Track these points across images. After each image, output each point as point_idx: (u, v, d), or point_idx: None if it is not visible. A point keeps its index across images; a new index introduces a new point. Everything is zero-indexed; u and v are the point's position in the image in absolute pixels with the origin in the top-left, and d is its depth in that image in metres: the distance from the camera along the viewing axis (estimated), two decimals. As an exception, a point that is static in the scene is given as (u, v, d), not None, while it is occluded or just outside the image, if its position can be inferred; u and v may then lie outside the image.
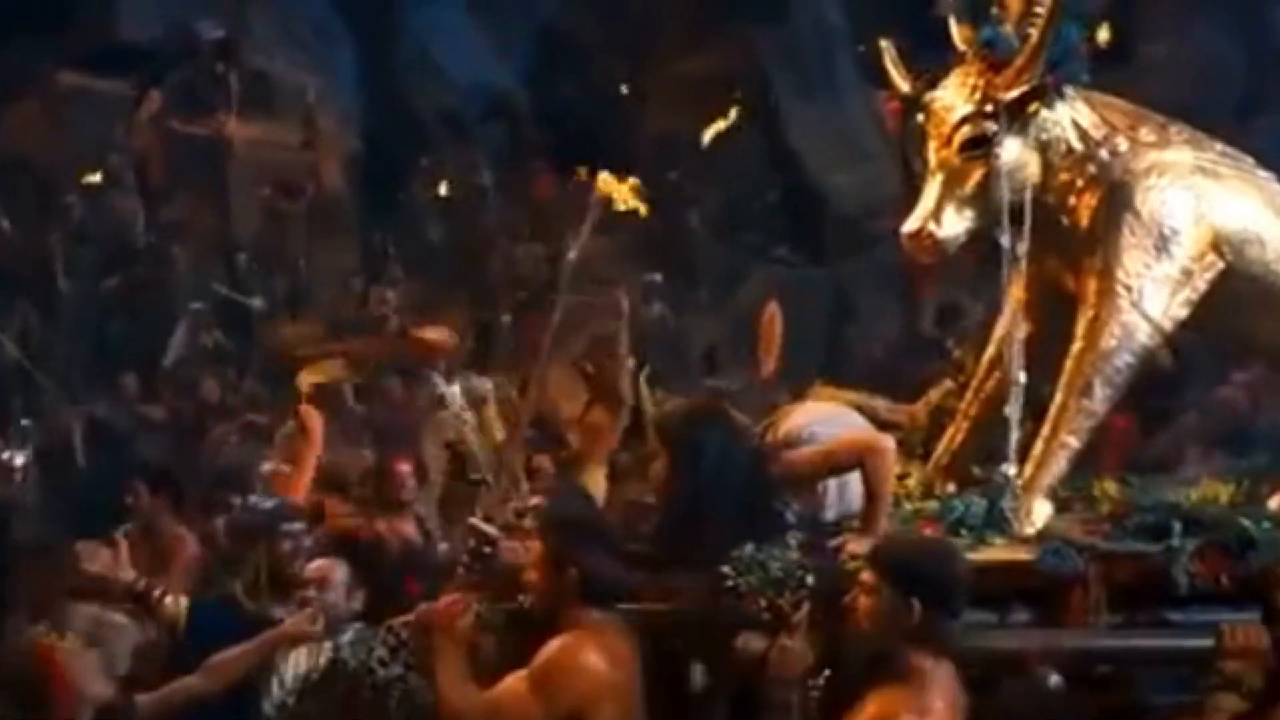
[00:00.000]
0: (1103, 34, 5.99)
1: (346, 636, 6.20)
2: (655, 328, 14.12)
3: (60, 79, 16.08)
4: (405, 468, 9.10)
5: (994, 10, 5.65)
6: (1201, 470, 7.10)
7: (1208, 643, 4.97)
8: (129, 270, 14.79)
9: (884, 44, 5.92)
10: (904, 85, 5.81)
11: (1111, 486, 5.73)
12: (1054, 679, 4.81)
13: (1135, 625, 5.21)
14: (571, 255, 11.25)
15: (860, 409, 6.05)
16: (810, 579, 5.18)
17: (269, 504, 7.25)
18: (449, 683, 5.19)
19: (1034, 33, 5.55)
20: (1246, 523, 5.31)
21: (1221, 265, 5.69)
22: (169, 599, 6.61)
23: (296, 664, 6.25)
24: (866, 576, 4.81)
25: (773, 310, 7.66)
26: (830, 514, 5.69)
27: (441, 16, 18.74)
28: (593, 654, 5.06)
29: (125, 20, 16.83)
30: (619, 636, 5.17)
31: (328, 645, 6.23)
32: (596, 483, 7.58)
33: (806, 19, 18.59)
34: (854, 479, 5.60)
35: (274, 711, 6.23)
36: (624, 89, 18.76)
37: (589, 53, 18.84)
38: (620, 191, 7.11)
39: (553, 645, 5.08)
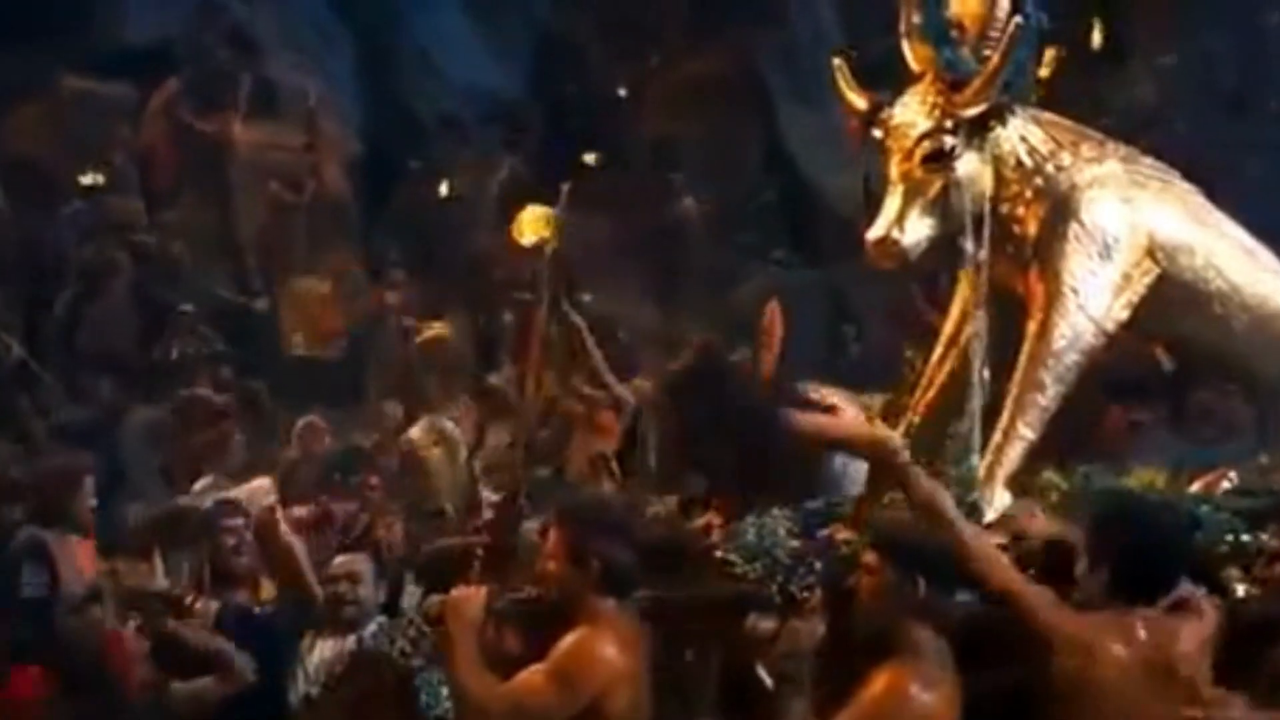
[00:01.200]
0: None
1: (370, 629, 6.40)
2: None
3: (65, 83, 16.17)
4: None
5: (953, 34, 5.96)
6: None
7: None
8: (131, 272, 14.90)
9: (837, 62, 6.24)
10: (860, 103, 6.12)
11: (1057, 476, 6.00)
12: None
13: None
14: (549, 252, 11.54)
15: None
16: (818, 564, 5.49)
17: (209, 501, 7.47)
18: (467, 673, 5.22)
19: (993, 55, 5.87)
20: (1192, 505, 5.64)
21: (1157, 270, 6.05)
22: (200, 604, 6.90)
23: (321, 656, 6.48)
24: (869, 558, 5.08)
25: (774, 309, 7.86)
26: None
27: (440, 20, 18.85)
28: (610, 646, 5.16)
29: (131, 24, 16.94)
30: (630, 625, 5.30)
31: (351, 637, 6.46)
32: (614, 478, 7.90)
33: (803, 22, 18.74)
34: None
35: (299, 703, 6.43)
36: (622, 91, 18.87)
37: (587, 55, 18.94)
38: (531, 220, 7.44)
39: (572, 639, 5.18)
